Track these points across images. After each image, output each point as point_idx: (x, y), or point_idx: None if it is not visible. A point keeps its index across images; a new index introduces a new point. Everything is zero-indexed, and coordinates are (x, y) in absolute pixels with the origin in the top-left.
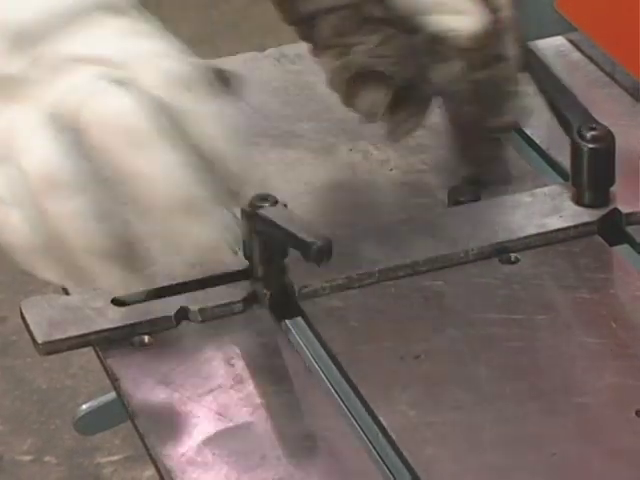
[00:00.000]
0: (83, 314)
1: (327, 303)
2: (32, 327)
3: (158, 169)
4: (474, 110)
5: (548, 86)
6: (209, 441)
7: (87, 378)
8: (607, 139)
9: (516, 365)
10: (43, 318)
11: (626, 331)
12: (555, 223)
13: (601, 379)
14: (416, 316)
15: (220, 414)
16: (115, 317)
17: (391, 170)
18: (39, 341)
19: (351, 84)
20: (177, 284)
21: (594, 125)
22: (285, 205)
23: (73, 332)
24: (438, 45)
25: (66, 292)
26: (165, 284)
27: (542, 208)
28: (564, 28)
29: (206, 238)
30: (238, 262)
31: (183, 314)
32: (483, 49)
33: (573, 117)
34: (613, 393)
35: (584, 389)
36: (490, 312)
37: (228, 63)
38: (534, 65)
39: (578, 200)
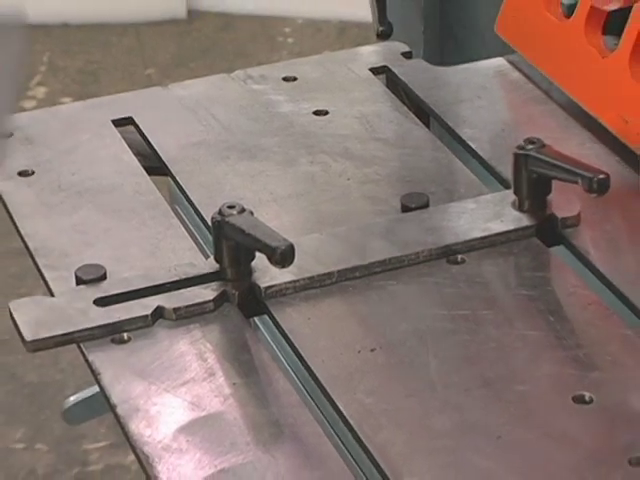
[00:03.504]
0: (67, 314)
1: (291, 302)
2: (21, 326)
3: None
4: None
5: None
6: (183, 429)
7: (75, 373)
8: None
9: (463, 356)
10: (31, 318)
11: (562, 324)
12: (497, 227)
13: (540, 368)
14: (372, 313)
15: (193, 404)
16: (96, 317)
17: (348, 180)
18: (27, 339)
19: None
20: (153, 286)
21: (534, 139)
22: (251, 213)
23: (58, 331)
24: None
25: (52, 294)
26: (142, 286)
27: (485, 214)
28: (504, 50)
29: None
30: (209, 265)
31: (159, 313)
32: None
33: None
34: (551, 381)
35: (525, 378)
36: (439, 308)
37: (200, 84)
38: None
39: (518, 206)
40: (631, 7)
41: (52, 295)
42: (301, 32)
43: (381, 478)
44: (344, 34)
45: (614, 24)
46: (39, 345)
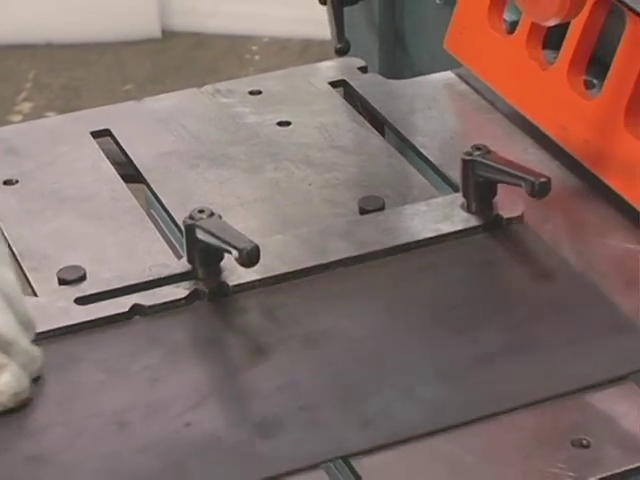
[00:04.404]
0: (50, 312)
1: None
2: None
3: None
4: None
5: None
6: None
7: None
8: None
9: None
10: None
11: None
12: (447, 227)
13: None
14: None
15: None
16: (77, 315)
17: (309, 185)
18: None
19: None
20: (129, 285)
21: (480, 146)
22: (220, 216)
23: (42, 328)
24: None
25: (35, 294)
26: (119, 286)
27: (436, 215)
28: (452, 64)
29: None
30: (181, 265)
31: (136, 310)
32: None
33: None
34: None
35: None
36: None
37: (172, 98)
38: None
39: (467, 208)
40: (569, 23)
41: (36, 295)
42: (267, 50)
43: None
44: (307, 51)
45: (553, 39)
46: None
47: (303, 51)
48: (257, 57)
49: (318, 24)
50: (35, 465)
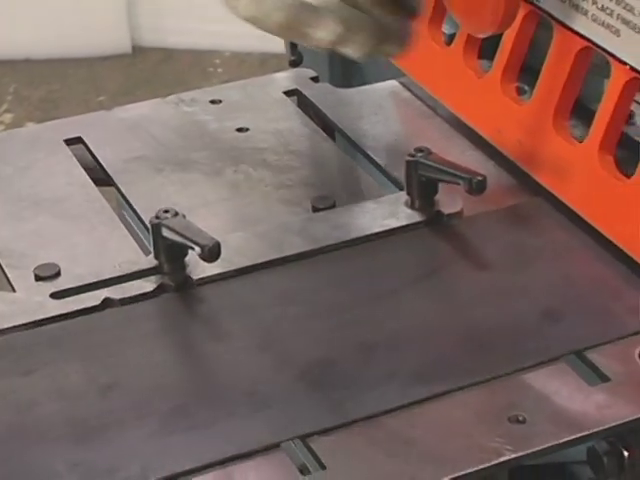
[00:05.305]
0: (27, 306)
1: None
2: None
3: None
4: None
5: None
6: None
7: None
8: (432, 158)
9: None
10: None
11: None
12: (393, 223)
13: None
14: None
15: None
16: (53, 308)
17: (266, 187)
18: None
19: None
20: (101, 280)
21: (422, 148)
22: (184, 216)
23: (20, 321)
24: None
25: (13, 289)
26: (92, 281)
27: (383, 212)
28: (397, 74)
29: None
30: (148, 261)
31: (108, 303)
32: None
33: None
34: None
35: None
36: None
37: (139, 107)
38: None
39: (411, 205)
40: (501, 35)
41: (14, 290)
42: (229, 63)
43: None
44: (265, 64)
45: (487, 49)
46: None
47: (262, 64)
48: (220, 70)
49: (275, 39)
50: None
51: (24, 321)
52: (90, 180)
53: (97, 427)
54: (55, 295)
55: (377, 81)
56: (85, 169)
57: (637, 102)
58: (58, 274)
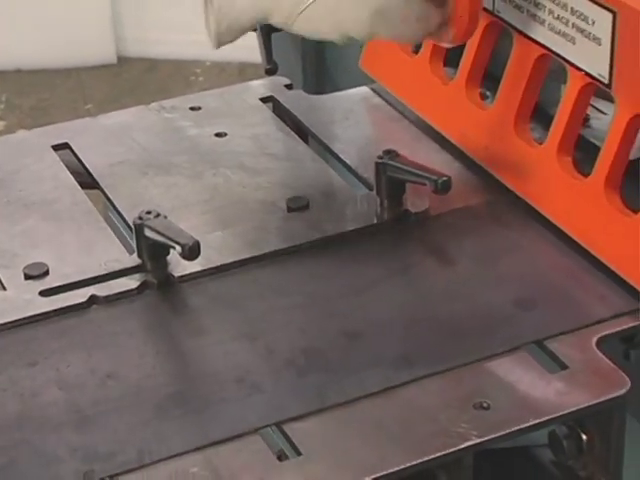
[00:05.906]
0: (17, 304)
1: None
2: None
3: None
4: None
5: None
6: None
7: None
8: (400, 160)
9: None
10: None
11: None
12: (364, 221)
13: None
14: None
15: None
16: (41, 305)
17: (244, 188)
18: None
19: None
20: (87, 278)
21: (390, 150)
22: (166, 217)
23: (10, 317)
24: None
25: (4, 288)
26: (78, 279)
27: (354, 211)
28: (367, 81)
29: None
30: (132, 260)
31: (93, 300)
32: None
33: None
34: None
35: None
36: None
37: (123, 114)
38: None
39: (380, 204)
40: (465, 44)
41: (4, 289)
42: (209, 72)
43: None
44: (244, 73)
45: (452, 58)
46: None
47: (240, 72)
48: (201, 78)
49: (253, 49)
50: None
51: (14, 318)
52: (77, 183)
53: (95, 414)
54: (44, 293)
55: (349, 88)
56: (72, 173)
57: (592, 106)
58: (47, 273)
